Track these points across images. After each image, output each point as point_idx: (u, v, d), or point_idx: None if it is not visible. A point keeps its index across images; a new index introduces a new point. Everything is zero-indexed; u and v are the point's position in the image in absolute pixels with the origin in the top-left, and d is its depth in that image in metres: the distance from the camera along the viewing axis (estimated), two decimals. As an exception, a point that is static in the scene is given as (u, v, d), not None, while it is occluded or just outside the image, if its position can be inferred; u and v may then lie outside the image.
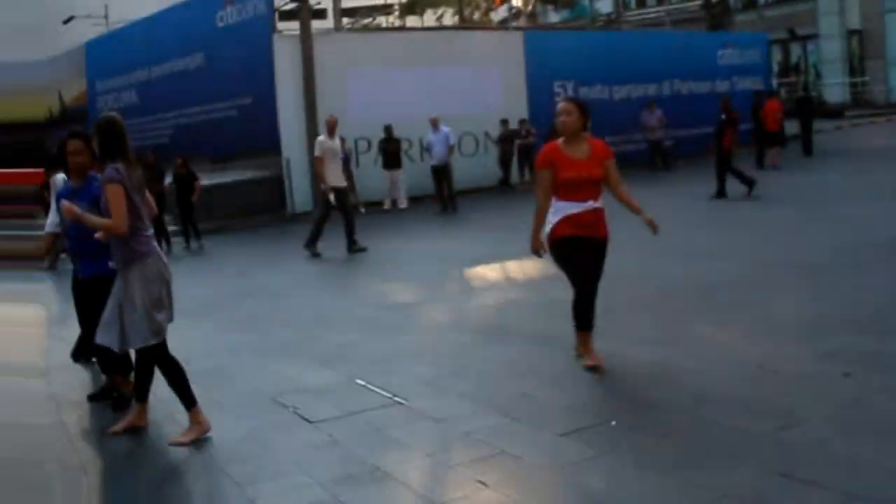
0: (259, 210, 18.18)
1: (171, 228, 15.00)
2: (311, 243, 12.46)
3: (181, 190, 14.98)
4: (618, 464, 4.16)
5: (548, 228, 5.67)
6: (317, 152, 12.41)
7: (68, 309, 6.64)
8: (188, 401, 5.06)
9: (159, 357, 5.04)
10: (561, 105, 5.68)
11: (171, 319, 5.07)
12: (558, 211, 5.62)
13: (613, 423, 4.70)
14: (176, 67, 22.37)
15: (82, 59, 27.50)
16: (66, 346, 7.11)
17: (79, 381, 6.65)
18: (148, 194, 5.18)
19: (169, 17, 22.81)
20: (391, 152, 18.74)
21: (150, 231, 5.07)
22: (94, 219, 4.93)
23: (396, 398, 5.45)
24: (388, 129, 18.64)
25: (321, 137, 12.67)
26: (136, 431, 5.19)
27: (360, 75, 19.21)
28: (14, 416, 5.83)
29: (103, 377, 6.06)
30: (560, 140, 5.68)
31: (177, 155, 15.80)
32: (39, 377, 6.83)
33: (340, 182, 12.38)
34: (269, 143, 18.90)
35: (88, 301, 5.71)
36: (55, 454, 5.09)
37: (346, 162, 13.17)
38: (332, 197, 12.22)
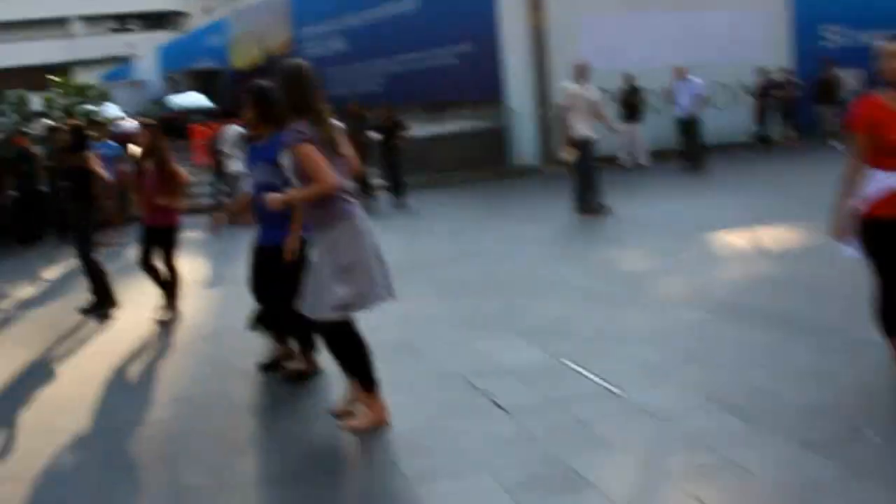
0: (477, 164, 18.18)
1: (376, 182, 15.37)
2: (584, 203, 12.08)
3: (387, 141, 15.22)
4: (878, 489, 3.64)
5: (859, 205, 4.80)
6: (566, 101, 12.21)
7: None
8: (366, 383, 4.90)
9: (337, 333, 4.86)
10: (887, 47, 4.88)
11: (375, 296, 4.79)
12: (879, 183, 4.74)
13: (875, 437, 4.13)
14: (388, 12, 22.77)
15: (287, 6, 28.73)
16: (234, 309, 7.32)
17: (248, 347, 6.57)
18: (348, 149, 4.99)
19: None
20: (632, 104, 18.25)
21: (346, 192, 4.80)
22: (300, 194, 4.75)
23: (609, 386, 5.12)
24: (629, 78, 18.16)
25: (569, 84, 12.38)
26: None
27: (596, 20, 18.78)
28: (182, 384, 6.14)
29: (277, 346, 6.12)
30: (885, 93, 4.82)
31: (382, 104, 16.10)
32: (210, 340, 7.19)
33: (591, 133, 12.06)
34: (489, 93, 18.92)
35: (263, 269, 5.85)
36: (214, 428, 5.20)
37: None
38: (569, 154, 11.99)
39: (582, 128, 11.91)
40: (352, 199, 4.81)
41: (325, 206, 4.68)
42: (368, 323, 5.06)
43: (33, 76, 17.02)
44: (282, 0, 29.05)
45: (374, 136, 15.17)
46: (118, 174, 12.98)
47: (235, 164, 14.22)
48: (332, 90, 22.44)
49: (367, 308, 4.80)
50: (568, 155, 12.06)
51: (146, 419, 5.45)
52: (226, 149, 14.17)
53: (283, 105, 4.84)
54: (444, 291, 8.31)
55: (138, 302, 8.56)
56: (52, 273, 11.39)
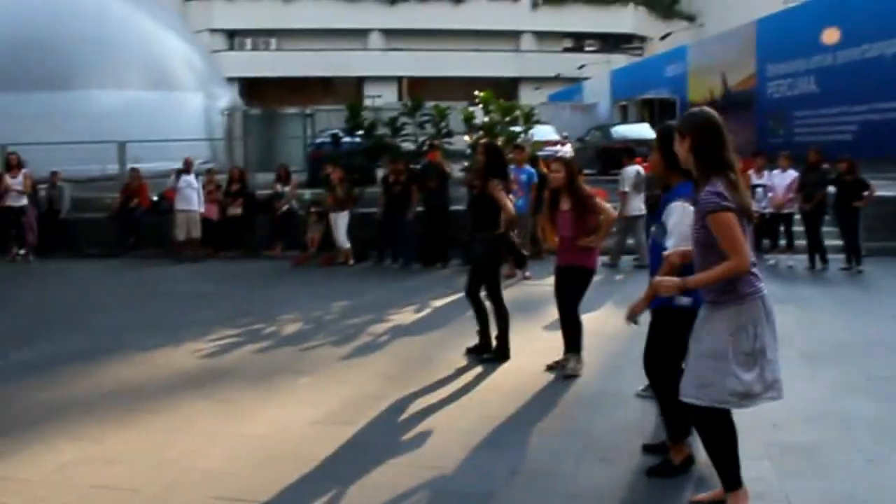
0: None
1: (828, 243, 13.84)
2: None
3: (844, 197, 13.58)
4: None
5: None
6: None
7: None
8: (729, 481, 4.40)
9: (715, 420, 4.38)
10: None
11: (775, 392, 4.30)
12: None
13: None
14: (868, 53, 20.84)
15: (753, 39, 27.35)
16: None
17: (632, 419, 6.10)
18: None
19: (863, -7, 21.39)
20: None
21: (754, 266, 4.26)
22: (707, 277, 4.21)
23: None
24: None
25: None
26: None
27: None
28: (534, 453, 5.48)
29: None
30: None
31: (842, 156, 14.54)
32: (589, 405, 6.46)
33: None
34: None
35: (653, 335, 5.24)
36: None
37: None
38: None
39: None
40: (759, 275, 4.28)
41: (733, 280, 4.17)
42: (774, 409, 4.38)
43: (479, 88, 16.56)
44: (748, 34, 27.88)
45: (830, 190, 13.72)
46: (532, 203, 12.99)
47: (633, 206, 13.70)
48: (794, 135, 21.28)
49: (769, 400, 4.32)
50: None
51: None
52: (626, 188, 13.60)
53: (693, 158, 4.31)
54: (873, 386, 6.90)
55: (532, 350, 8.14)
56: (442, 301, 11.15)
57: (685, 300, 4.82)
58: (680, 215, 4.81)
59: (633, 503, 4.87)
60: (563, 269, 7.50)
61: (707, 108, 4.48)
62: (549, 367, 7.53)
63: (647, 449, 5.47)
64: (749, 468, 4.61)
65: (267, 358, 8.32)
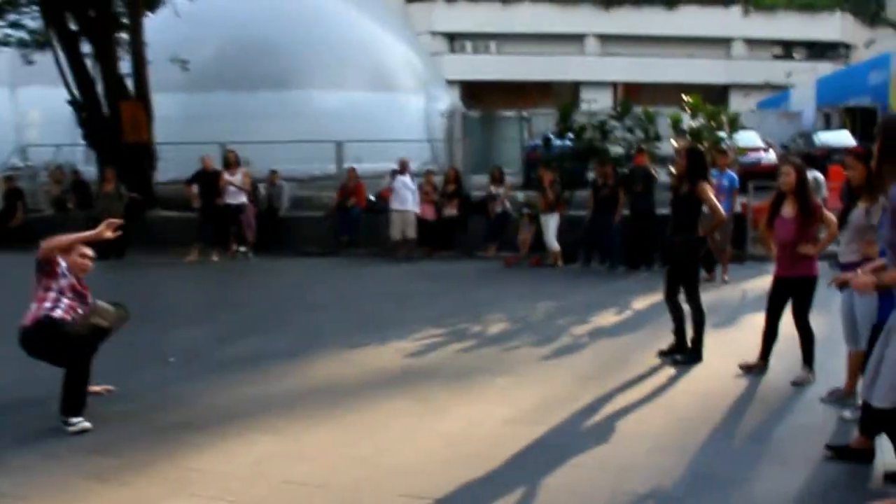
0: None
1: None
2: None
3: None
4: None
5: None
6: None
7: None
8: None
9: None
10: None
11: None
12: None
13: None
14: None
15: None
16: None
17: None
18: None
19: None
20: None
21: None
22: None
23: None
24: None
25: None
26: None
27: None
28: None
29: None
30: None
31: None
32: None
33: None
34: None
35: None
36: None
37: None
38: None
39: None
40: None
41: None
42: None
43: (690, 94, 16.12)
44: (954, 41, 25.78)
45: None
46: (732, 207, 12.86)
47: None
48: None
49: None
50: None
51: None
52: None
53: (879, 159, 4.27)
54: None
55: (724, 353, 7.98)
56: (644, 303, 11.01)
57: None
58: None
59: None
60: (783, 280, 7.23)
61: None
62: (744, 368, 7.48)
63: (832, 449, 5.36)
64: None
65: (468, 358, 8.36)
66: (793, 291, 7.15)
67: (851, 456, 5.22)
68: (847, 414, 6.04)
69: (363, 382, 7.49)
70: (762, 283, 12.44)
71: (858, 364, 6.21)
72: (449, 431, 6.01)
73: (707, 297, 10.51)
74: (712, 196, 7.80)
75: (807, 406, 6.49)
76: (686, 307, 7.92)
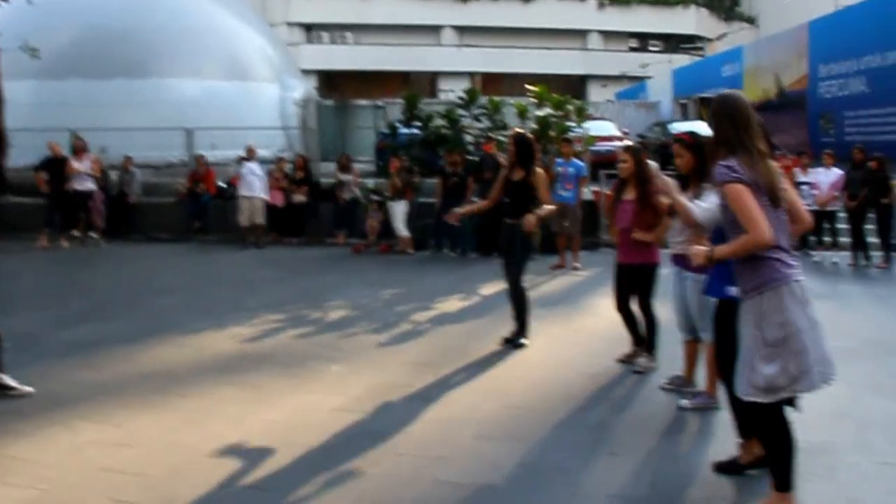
0: None
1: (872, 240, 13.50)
2: None
3: (872, 193, 13.32)
4: None
5: None
6: None
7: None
8: (780, 482, 4.15)
9: (764, 420, 4.17)
10: None
11: (805, 384, 4.04)
12: None
13: None
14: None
15: (805, 41, 26.62)
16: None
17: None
18: (796, 200, 4.39)
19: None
20: None
21: (782, 252, 4.04)
22: (727, 249, 4.11)
23: None
24: None
25: None
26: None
27: None
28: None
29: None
30: None
31: (854, 146, 14.34)
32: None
33: None
34: None
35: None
36: None
37: None
38: None
39: None
40: (790, 261, 4.05)
41: (755, 267, 4.01)
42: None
43: (549, 85, 16.40)
44: (801, 35, 27.21)
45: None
46: (579, 195, 13.00)
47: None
48: (845, 135, 20.63)
49: (797, 393, 4.15)
50: None
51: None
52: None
53: (717, 140, 4.17)
54: (893, 388, 6.55)
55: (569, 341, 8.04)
56: (491, 290, 10.75)
57: (733, 290, 4.52)
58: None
59: (635, 500, 4.58)
60: (624, 266, 7.21)
61: (730, 92, 4.34)
62: (620, 361, 7.29)
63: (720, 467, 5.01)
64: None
65: (305, 344, 8.14)
66: (633, 278, 7.13)
67: (743, 469, 4.83)
68: (684, 402, 6.03)
69: (196, 368, 7.25)
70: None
71: (694, 352, 6.31)
72: (276, 419, 5.81)
73: (556, 283, 10.69)
74: (544, 185, 7.74)
75: (647, 394, 6.44)
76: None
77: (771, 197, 4.00)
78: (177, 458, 5.08)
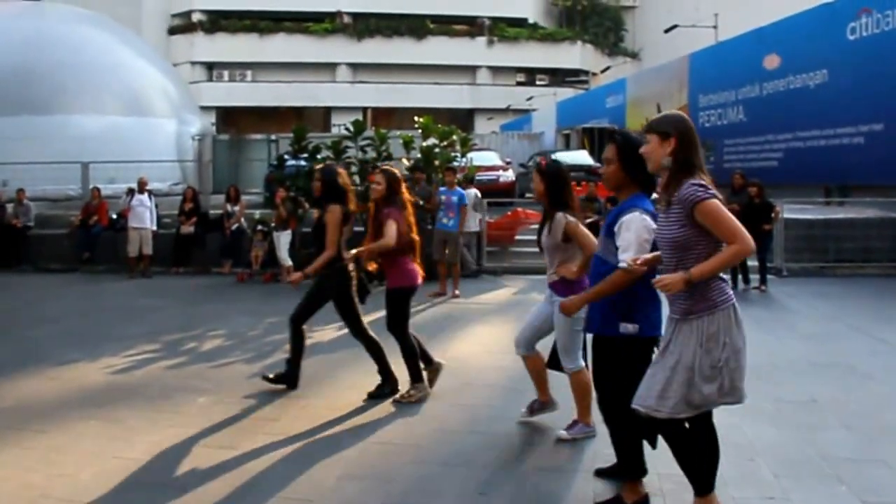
0: (880, 256, 15.06)
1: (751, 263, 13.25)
2: None
3: (754, 219, 12.92)
4: None
5: None
6: None
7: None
8: (703, 485, 4.00)
9: (671, 427, 3.96)
10: None
11: (733, 397, 3.92)
12: None
13: None
14: (792, 84, 20.52)
15: (685, 72, 27.21)
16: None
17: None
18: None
19: (786, 29, 21.12)
20: None
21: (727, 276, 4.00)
22: (709, 266, 3.77)
23: None
24: None
25: None
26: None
27: None
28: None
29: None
30: None
31: (734, 172, 14.33)
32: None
33: None
34: (897, 178, 16.07)
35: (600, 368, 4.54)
36: None
37: None
38: None
39: None
40: (728, 283, 3.94)
41: (706, 290, 3.81)
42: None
43: (438, 118, 16.35)
44: (681, 66, 27.71)
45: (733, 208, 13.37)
46: (461, 223, 12.64)
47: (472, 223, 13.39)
48: (724, 161, 20.94)
49: (724, 405, 3.96)
50: None
51: None
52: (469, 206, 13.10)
53: (673, 160, 3.90)
54: (774, 414, 6.18)
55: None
56: (368, 318, 10.24)
57: (631, 328, 4.29)
58: (639, 226, 4.24)
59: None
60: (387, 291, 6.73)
61: (680, 112, 4.20)
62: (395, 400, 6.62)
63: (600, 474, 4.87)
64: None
65: (176, 375, 7.56)
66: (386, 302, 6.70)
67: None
68: (563, 434, 5.55)
69: (61, 401, 6.64)
70: (494, 296, 12.43)
71: (538, 367, 5.81)
72: (134, 456, 5.25)
73: (435, 311, 10.20)
74: (333, 225, 6.81)
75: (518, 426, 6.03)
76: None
77: None
78: (22, 499, 4.56)
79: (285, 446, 5.50)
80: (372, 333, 6.91)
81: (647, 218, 4.23)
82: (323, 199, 6.94)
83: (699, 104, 25.96)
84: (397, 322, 6.65)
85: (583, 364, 5.44)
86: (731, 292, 3.89)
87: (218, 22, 58.94)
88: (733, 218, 3.72)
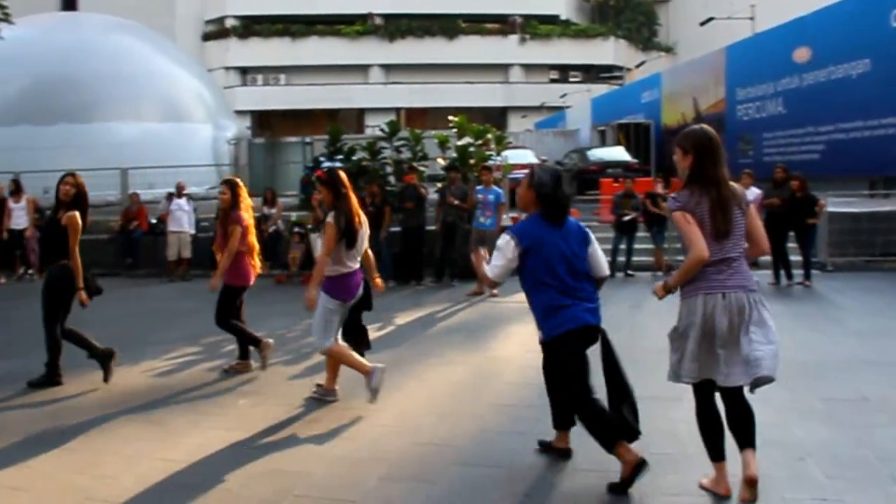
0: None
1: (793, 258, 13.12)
2: None
3: (797, 214, 12.88)
4: None
5: None
6: None
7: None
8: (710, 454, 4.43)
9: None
10: None
11: (683, 378, 4.41)
12: None
13: None
14: (834, 74, 20.13)
15: (723, 65, 26.82)
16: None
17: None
18: (757, 225, 4.57)
19: (828, 18, 20.71)
20: None
21: (721, 265, 4.30)
22: (676, 276, 4.40)
23: None
24: None
25: None
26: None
27: None
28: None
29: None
30: None
31: (776, 166, 14.05)
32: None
33: None
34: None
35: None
36: None
37: None
38: None
39: None
40: (717, 276, 4.30)
41: (694, 277, 4.33)
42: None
43: (471, 117, 16.37)
44: (718, 60, 27.25)
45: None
46: (499, 221, 12.66)
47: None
48: (763, 155, 20.50)
49: (686, 380, 4.40)
50: None
51: None
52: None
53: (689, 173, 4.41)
54: (825, 413, 5.99)
55: (475, 365, 7.54)
56: (406, 319, 10.62)
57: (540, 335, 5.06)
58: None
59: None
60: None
61: (705, 126, 4.56)
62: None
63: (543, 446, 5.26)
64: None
65: (216, 377, 7.61)
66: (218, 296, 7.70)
67: (555, 453, 5.15)
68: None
69: (103, 404, 6.67)
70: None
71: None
72: (176, 458, 5.25)
73: (474, 310, 10.26)
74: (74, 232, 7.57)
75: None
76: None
77: (720, 220, 4.28)
78: (66, 503, 4.57)
79: (326, 447, 5.48)
80: None
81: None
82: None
83: (737, 97, 25.52)
84: (223, 315, 7.67)
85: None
86: (707, 285, 4.26)
87: (251, 27, 59.57)
88: (692, 228, 4.21)
